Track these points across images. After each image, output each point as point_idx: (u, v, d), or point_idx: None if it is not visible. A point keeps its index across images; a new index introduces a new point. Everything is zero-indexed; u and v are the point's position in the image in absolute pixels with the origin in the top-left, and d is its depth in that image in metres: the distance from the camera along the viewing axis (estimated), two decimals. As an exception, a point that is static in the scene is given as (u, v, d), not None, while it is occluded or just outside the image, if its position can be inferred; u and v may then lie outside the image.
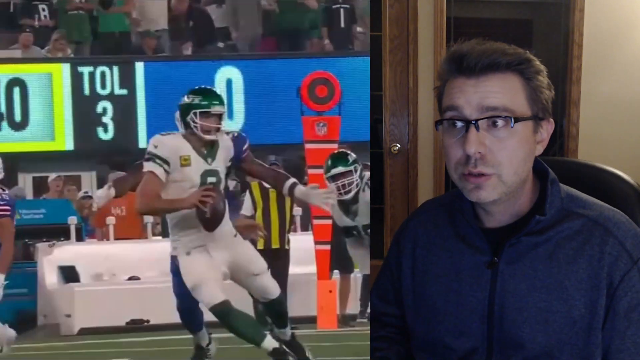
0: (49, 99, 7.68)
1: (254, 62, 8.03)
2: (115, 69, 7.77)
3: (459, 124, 1.53)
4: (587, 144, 4.62)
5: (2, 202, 3.91)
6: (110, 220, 6.29)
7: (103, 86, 7.74)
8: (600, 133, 4.62)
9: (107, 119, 7.75)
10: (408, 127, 4.54)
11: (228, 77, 7.81)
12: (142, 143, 7.34)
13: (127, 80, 7.76)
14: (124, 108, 7.75)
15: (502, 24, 4.88)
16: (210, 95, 3.31)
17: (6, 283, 3.86)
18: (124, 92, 7.76)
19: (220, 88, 7.20)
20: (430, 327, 1.70)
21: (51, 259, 6.17)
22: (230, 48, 8.30)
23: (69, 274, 6.11)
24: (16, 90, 7.66)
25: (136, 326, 5.82)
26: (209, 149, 3.26)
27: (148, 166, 3.18)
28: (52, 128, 7.71)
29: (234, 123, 7.29)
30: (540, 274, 1.56)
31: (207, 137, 3.23)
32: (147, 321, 5.86)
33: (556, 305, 1.54)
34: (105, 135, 7.77)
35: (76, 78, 7.71)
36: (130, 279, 6.20)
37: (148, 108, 7.71)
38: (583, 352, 1.54)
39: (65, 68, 7.73)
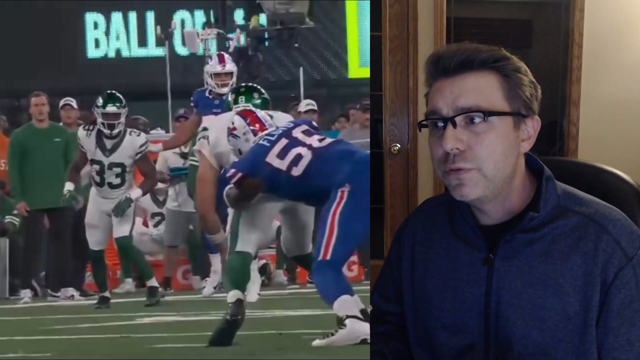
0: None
1: None
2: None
3: (440, 123, 1.55)
4: (587, 144, 4.62)
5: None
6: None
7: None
8: (600, 133, 4.62)
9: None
10: (408, 127, 4.54)
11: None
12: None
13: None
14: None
15: (502, 24, 4.87)
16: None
17: None
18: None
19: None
20: (429, 323, 1.71)
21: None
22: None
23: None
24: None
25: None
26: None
27: None
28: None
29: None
30: (535, 271, 1.56)
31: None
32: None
33: (551, 302, 1.54)
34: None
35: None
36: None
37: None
38: (578, 349, 1.54)
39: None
